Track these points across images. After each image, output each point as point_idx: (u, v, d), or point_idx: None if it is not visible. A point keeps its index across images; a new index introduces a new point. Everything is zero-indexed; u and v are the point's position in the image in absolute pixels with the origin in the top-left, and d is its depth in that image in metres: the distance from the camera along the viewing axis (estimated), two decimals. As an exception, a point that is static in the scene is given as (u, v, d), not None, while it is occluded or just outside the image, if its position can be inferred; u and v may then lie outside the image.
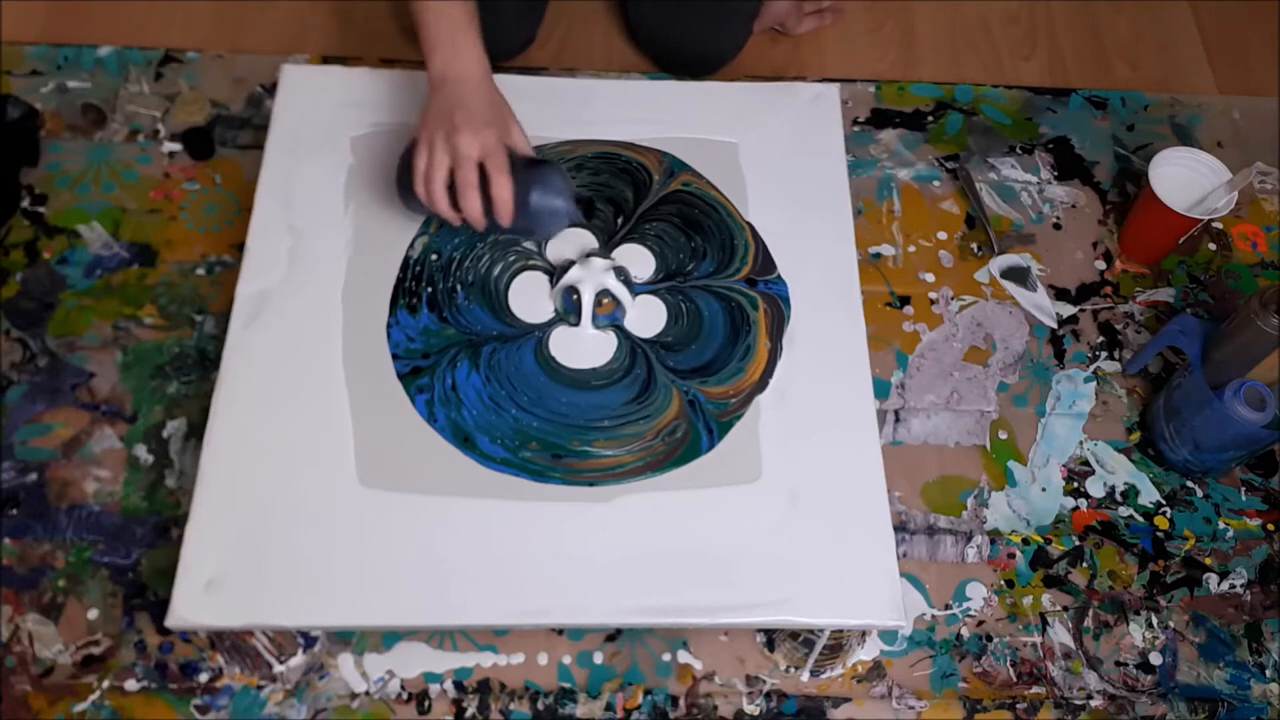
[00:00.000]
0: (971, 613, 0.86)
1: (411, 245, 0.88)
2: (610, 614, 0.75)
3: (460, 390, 0.81)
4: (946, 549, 0.88)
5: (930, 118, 1.12)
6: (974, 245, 1.04)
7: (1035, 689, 0.83)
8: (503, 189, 0.78)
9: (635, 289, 0.87)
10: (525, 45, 1.09)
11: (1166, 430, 0.91)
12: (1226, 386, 0.85)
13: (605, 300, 0.85)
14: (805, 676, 0.82)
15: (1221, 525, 0.91)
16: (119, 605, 0.81)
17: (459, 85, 0.81)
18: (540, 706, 0.79)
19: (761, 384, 0.84)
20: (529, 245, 0.89)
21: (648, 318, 0.87)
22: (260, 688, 0.78)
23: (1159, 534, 0.90)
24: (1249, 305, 0.85)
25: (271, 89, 1.02)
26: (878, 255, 1.02)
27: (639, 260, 0.89)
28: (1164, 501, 0.92)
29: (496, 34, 1.04)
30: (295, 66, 0.96)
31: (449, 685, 0.79)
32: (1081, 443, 0.94)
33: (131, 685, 0.78)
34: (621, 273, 0.86)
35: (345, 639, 0.80)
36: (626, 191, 0.92)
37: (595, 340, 0.85)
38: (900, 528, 0.88)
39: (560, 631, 0.82)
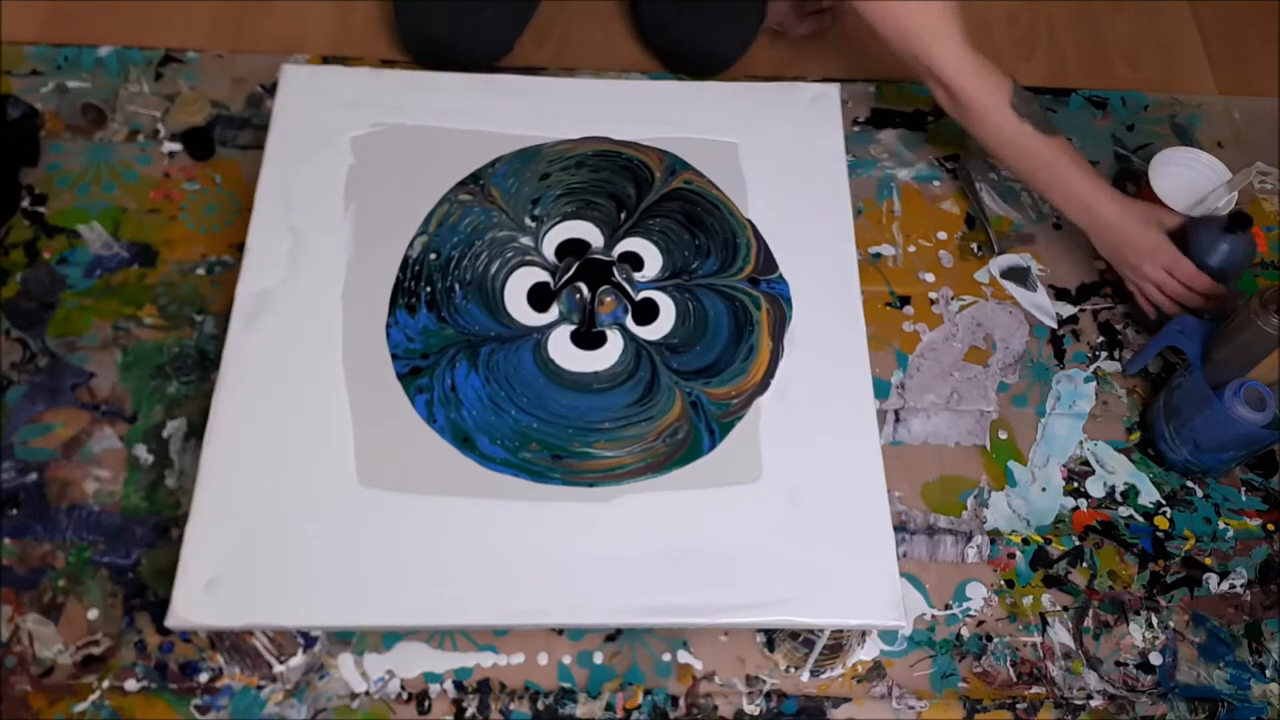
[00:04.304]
0: (971, 613, 0.86)
1: (411, 245, 0.88)
2: (610, 614, 0.75)
3: (460, 391, 0.81)
4: (946, 549, 0.88)
5: (930, 118, 1.12)
6: (974, 245, 1.04)
7: (1035, 689, 0.83)
8: (1197, 282, 0.91)
9: (639, 286, 0.87)
10: (504, 54, 1.09)
11: (1166, 430, 0.91)
12: (1226, 386, 0.85)
13: (607, 299, 0.85)
14: (805, 676, 0.82)
15: (1221, 525, 0.91)
16: (119, 605, 0.81)
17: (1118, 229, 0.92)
18: (540, 706, 0.79)
19: (763, 384, 0.84)
20: (526, 241, 0.89)
21: (654, 316, 0.87)
22: (260, 688, 0.78)
23: (1159, 534, 0.90)
24: (1249, 305, 0.85)
25: (271, 89, 1.02)
26: (878, 255, 1.02)
27: (646, 255, 0.89)
28: (1164, 501, 0.92)
29: (476, 41, 1.05)
30: (295, 66, 0.95)
31: (449, 685, 0.79)
32: (1081, 443, 0.94)
33: (131, 685, 0.78)
34: (624, 270, 0.86)
35: (345, 639, 0.80)
36: (629, 188, 0.92)
37: (600, 343, 0.85)
38: (900, 528, 0.88)
39: (560, 631, 0.82)
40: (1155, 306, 0.95)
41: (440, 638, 0.81)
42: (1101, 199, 0.91)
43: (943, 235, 1.04)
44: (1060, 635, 0.85)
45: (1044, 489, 0.91)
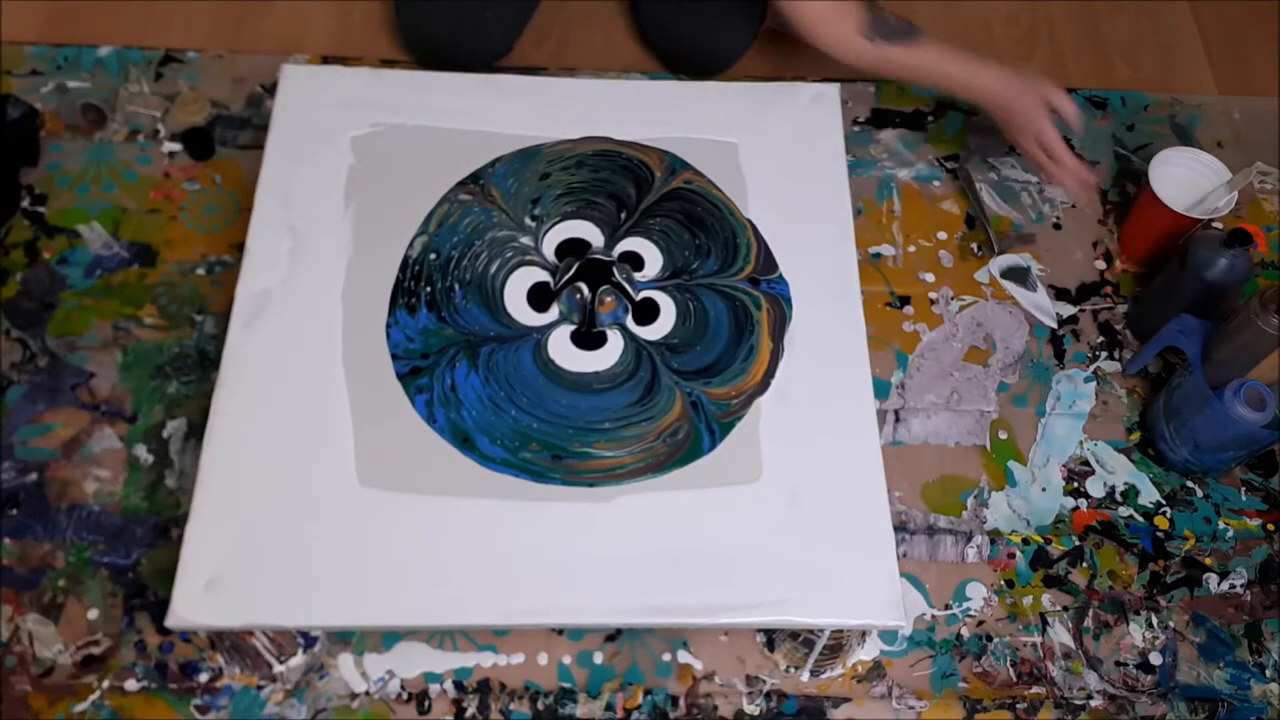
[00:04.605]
0: (971, 613, 0.86)
1: (411, 245, 0.88)
2: (610, 614, 0.75)
3: (460, 391, 0.81)
4: (946, 549, 0.88)
5: (930, 118, 1.12)
6: (974, 245, 1.04)
7: (1035, 689, 0.83)
8: (1057, 150, 0.97)
9: (639, 285, 0.87)
10: (504, 53, 1.09)
11: (1166, 430, 0.91)
12: (1226, 386, 0.85)
13: (608, 299, 0.85)
14: (805, 676, 0.82)
15: (1221, 525, 0.91)
16: (119, 605, 0.81)
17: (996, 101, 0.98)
18: (540, 706, 0.79)
19: (763, 385, 0.84)
20: (526, 241, 0.89)
21: (654, 316, 0.87)
22: (260, 688, 0.78)
23: (1159, 534, 0.90)
24: (1249, 305, 0.85)
25: (271, 89, 1.02)
26: (878, 255, 1.02)
27: (646, 255, 0.89)
28: (1164, 501, 0.92)
29: (477, 41, 1.05)
30: (295, 66, 0.95)
31: (449, 685, 0.79)
32: (1081, 443, 0.94)
33: (131, 685, 0.78)
34: (624, 270, 0.86)
35: (345, 639, 0.80)
36: (629, 187, 0.92)
37: (601, 343, 0.85)
38: (900, 528, 0.88)
39: (560, 631, 0.82)
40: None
41: (440, 638, 0.81)
42: (980, 77, 0.96)
43: (943, 235, 1.04)
44: (1060, 635, 0.85)
45: (1044, 489, 0.91)
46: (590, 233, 0.90)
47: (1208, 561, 0.89)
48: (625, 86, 1.01)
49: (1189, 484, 0.93)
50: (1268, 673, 0.85)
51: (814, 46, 0.97)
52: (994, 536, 0.89)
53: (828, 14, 0.94)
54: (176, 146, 1.02)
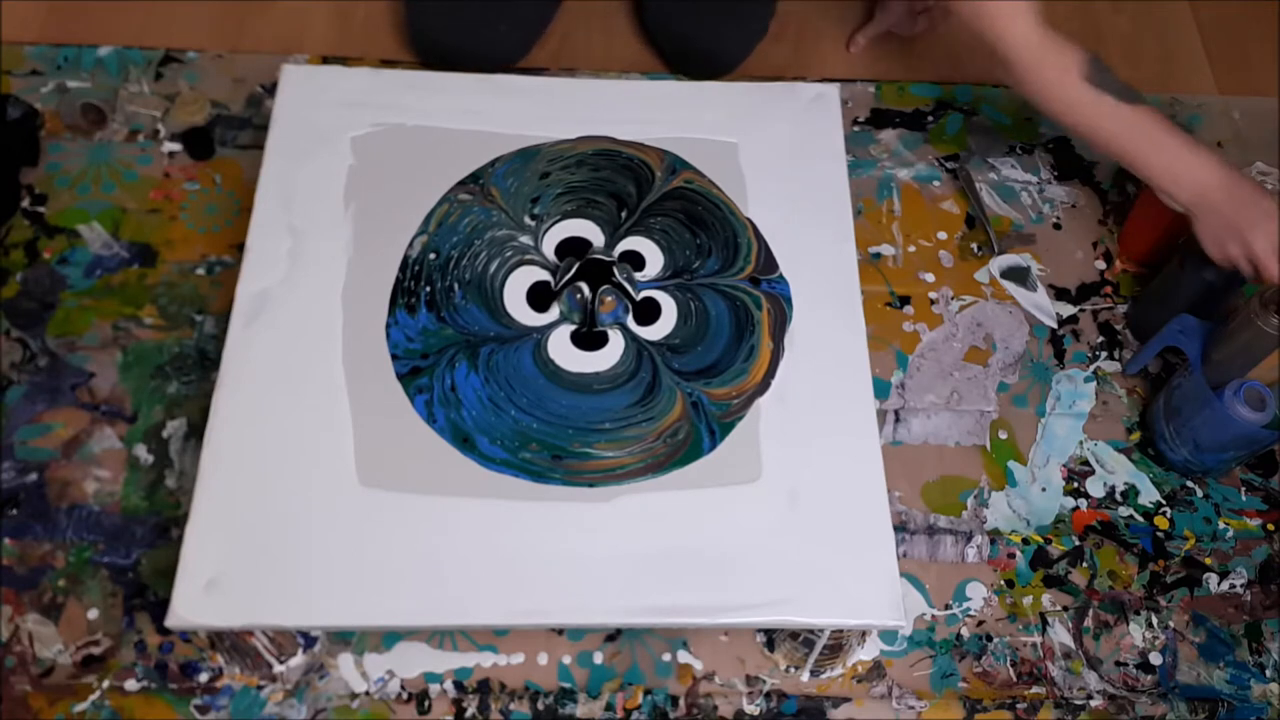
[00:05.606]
0: (971, 613, 0.86)
1: (410, 245, 0.88)
2: (610, 614, 0.75)
3: (460, 391, 0.81)
4: (946, 549, 0.88)
5: (930, 118, 1.12)
6: (974, 245, 1.04)
7: (1035, 689, 0.83)
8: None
9: (639, 285, 0.87)
10: (517, 60, 1.09)
11: (1166, 430, 0.91)
12: (1226, 386, 0.85)
13: (608, 299, 0.85)
14: (805, 676, 0.82)
15: (1221, 525, 0.91)
16: (119, 605, 0.81)
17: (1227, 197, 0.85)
18: (540, 706, 0.79)
19: (763, 385, 0.84)
20: (525, 240, 0.89)
21: (655, 316, 0.87)
22: (260, 688, 0.78)
23: (1159, 534, 0.90)
24: (1249, 305, 0.85)
25: (271, 89, 1.02)
26: (878, 255, 1.02)
27: (647, 254, 0.89)
28: (1164, 501, 0.92)
29: (490, 53, 1.05)
30: (295, 66, 0.95)
31: (449, 685, 0.79)
32: (1081, 443, 0.94)
33: (131, 685, 0.78)
34: (624, 270, 0.86)
35: (345, 639, 0.80)
36: (629, 186, 0.92)
37: (601, 344, 0.85)
38: (900, 528, 0.88)
39: (560, 631, 0.82)
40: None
41: (440, 638, 0.81)
42: (1210, 165, 0.84)
43: (943, 235, 1.04)
44: (1060, 635, 0.85)
45: (1044, 489, 0.91)
46: (591, 232, 0.90)
47: (1208, 561, 0.89)
48: (625, 86, 1.01)
49: (1189, 484, 0.93)
50: (1268, 673, 0.85)
51: (1017, 87, 0.87)
52: (994, 536, 0.89)
53: (1046, 53, 0.83)
54: (176, 146, 1.02)
